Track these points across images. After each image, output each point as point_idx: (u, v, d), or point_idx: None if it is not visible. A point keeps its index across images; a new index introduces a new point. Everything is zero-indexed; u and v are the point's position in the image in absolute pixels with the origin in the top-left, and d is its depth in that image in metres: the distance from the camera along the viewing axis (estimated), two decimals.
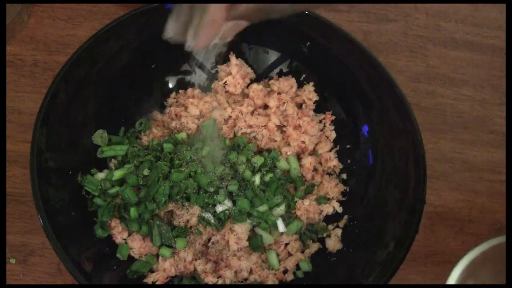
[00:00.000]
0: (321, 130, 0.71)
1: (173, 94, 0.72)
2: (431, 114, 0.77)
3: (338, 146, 0.70)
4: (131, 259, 0.64)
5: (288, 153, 0.68)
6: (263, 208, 0.64)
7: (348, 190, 0.69)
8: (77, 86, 0.63)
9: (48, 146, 0.60)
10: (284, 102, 0.69)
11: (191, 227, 0.64)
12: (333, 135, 0.71)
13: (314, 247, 0.66)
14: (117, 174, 0.64)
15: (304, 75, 0.71)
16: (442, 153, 0.75)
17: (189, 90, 0.71)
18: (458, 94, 0.79)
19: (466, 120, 0.77)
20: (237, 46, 0.70)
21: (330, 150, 0.70)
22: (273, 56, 0.72)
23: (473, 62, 0.80)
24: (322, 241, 0.67)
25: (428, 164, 0.61)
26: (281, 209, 0.65)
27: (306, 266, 0.65)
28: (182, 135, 0.67)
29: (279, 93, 0.70)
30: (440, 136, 0.76)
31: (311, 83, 0.71)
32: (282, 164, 0.67)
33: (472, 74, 0.80)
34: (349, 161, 0.70)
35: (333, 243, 0.66)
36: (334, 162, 0.69)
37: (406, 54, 0.80)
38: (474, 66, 0.80)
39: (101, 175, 0.65)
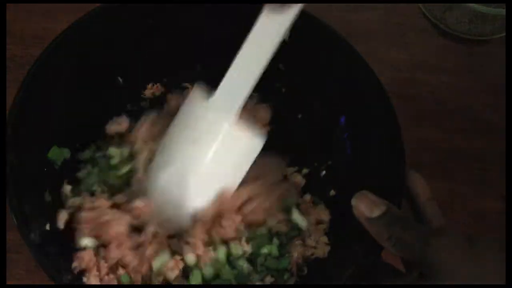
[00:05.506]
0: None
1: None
2: (412, 103, 0.77)
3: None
4: None
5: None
6: None
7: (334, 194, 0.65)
8: (51, 81, 0.61)
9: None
10: None
11: None
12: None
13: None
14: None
15: (281, 65, 0.69)
16: (424, 142, 0.75)
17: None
18: (440, 82, 0.78)
19: (448, 108, 0.77)
20: None
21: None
22: None
23: (455, 50, 0.80)
24: None
25: (410, 154, 0.60)
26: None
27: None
28: None
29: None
30: (422, 124, 0.76)
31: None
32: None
33: (453, 62, 0.80)
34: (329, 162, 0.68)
35: (322, 251, 0.62)
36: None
37: (387, 42, 0.79)
38: (455, 54, 0.80)
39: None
